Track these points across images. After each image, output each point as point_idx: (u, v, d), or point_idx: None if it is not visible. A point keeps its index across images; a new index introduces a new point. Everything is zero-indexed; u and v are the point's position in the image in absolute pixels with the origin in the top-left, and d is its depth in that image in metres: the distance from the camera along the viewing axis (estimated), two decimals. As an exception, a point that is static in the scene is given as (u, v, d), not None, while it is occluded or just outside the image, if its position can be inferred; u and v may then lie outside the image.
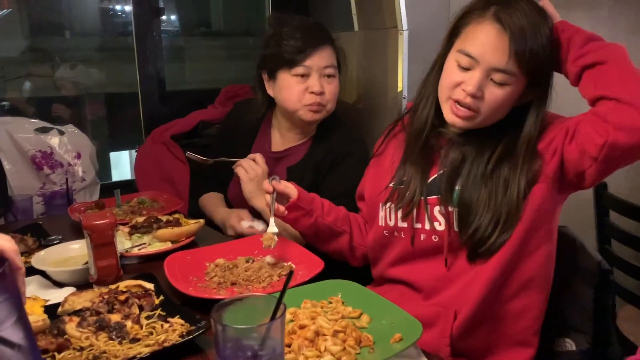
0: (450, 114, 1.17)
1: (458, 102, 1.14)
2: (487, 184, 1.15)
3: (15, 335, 0.60)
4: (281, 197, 1.36)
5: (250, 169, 1.56)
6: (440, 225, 1.20)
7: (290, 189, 1.36)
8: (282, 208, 1.34)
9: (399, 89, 1.81)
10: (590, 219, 1.94)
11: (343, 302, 1.09)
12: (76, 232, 1.54)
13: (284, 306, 0.75)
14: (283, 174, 1.68)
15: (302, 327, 0.97)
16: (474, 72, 1.12)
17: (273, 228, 1.33)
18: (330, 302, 1.09)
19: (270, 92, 1.67)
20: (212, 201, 1.79)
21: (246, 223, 1.54)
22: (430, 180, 1.23)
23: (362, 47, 1.95)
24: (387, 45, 1.83)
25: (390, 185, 1.30)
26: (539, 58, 1.10)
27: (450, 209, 1.18)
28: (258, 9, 3.28)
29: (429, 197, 1.22)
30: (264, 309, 0.76)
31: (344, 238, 1.41)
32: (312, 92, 1.58)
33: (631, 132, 1.01)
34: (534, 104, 1.16)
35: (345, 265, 1.44)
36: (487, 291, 1.15)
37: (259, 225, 1.55)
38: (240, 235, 1.55)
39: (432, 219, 1.21)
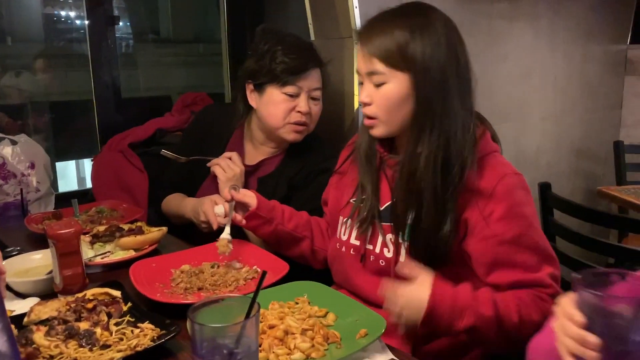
0: (369, 129, 1.25)
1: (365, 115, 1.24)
2: (432, 206, 1.17)
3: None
4: (242, 204, 1.40)
5: (228, 169, 1.57)
6: (389, 253, 1.25)
7: (250, 198, 1.39)
8: (239, 217, 1.38)
9: (355, 97, 1.87)
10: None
11: (309, 302, 1.13)
12: (34, 242, 1.52)
13: (258, 305, 0.78)
14: (254, 185, 1.68)
15: (271, 327, 1.01)
16: (364, 84, 1.22)
17: (227, 235, 1.36)
18: (297, 303, 1.13)
19: (252, 103, 1.67)
20: (177, 198, 1.75)
21: (220, 208, 1.46)
22: (383, 207, 1.27)
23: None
24: (343, 55, 1.89)
25: (352, 201, 1.34)
26: (391, 48, 1.15)
27: (400, 240, 1.23)
28: (207, 17, 3.29)
29: (383, 224, 1.26)
30: (238, 309, 0.79)
31: (305, 243, 1.45)
32: (298, 112, 1.60)
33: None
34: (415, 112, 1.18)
35: (309, 268, 1.48)
36: None
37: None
38: (206, 239, 1.53)
39: (383, 245, 1.26)
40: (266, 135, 1.70)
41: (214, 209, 1.47)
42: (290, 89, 1.59)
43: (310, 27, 2.04)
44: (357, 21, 1.79)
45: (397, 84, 1.17)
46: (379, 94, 1.19)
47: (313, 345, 0.96)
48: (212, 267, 1.33)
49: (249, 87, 1.67)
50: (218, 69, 2.90)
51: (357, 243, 1.30)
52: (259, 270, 1.31)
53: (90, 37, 2.29)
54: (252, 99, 1.67)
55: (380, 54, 1.16)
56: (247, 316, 0.77)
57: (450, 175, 1.14)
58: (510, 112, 2.58)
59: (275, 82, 1.59)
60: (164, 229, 1.51)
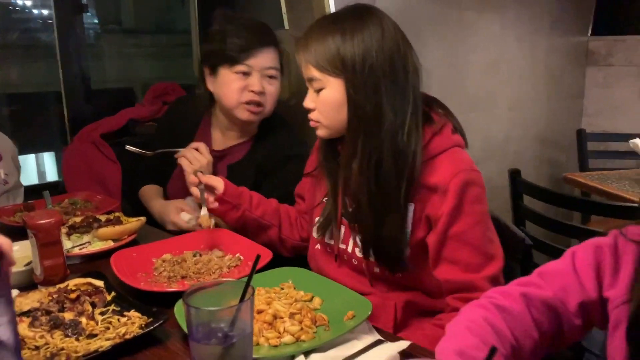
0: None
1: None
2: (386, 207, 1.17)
3: (5, 333, 0.60)
4: (209, 189, 1.41)
5: (194, 160, 1.54)
6: (360, 252, 1.26)
7: (217, 181, 1.40)
8: (211, 198, 1.40)
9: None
10: (506, 203, 2.12)
11: (294, 287, 1.14)
12: (5, 235, 1.47)
13: (252, 288, 0.79)
14: (224, 172, 1.68)
15: (259, 311, 1.02)
16: (309, 90, 1.23)
17: (205, 211, 1.40)
18: (282, 288, 1.14)
19: (210, 87, 1.67)
20: (147, 193, 1.76)
21: (186, 215, 1.51)
22: (352, 209, 1.26)
23: (292, 46, 2.00)
24: (318, 44, 1.89)
25: (324, 200, 1.34)
26: (323, 54, 1.16)
27: None
28: (169, 7, 3.24)
29: (352, 224, 1.27)
30: (232, 293, 0.80)
31: (273, 231, 1.46)
32: (251, 91, 1.60)
33: None
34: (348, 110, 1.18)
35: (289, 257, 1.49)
36: (418, 300, 1.24)
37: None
38: (182, 231, 1.54)
39: (354, 245, 1.27)
40: (228, 119, 1.70)
41: (181, 216, 1.53)
42: (240, 68, 1.59)
43: (284, 16, 2.04)
44: (332, 10, 1.80)
45: (332, 89, 1.17)
46: (319, 99, 1.20)
47: (302, 329, 0.97)
48: (194, 255, 1.32)
49: (207, 71, 1.67)
50: (186, 60, 2.87)
51: (332, 242, 1.32)
52: (242, 257, 1.32)
53: (58, 26, 2.23)
54: (210, 82, 1.67)
55: (313, 61, 1.17)
56: (242, 299, 0.78)
57: (387, 177, 1.14)
58: (479, 102, 2.64)
59: (226, 63, 1.60)
60: (143, 218, 1.49)
